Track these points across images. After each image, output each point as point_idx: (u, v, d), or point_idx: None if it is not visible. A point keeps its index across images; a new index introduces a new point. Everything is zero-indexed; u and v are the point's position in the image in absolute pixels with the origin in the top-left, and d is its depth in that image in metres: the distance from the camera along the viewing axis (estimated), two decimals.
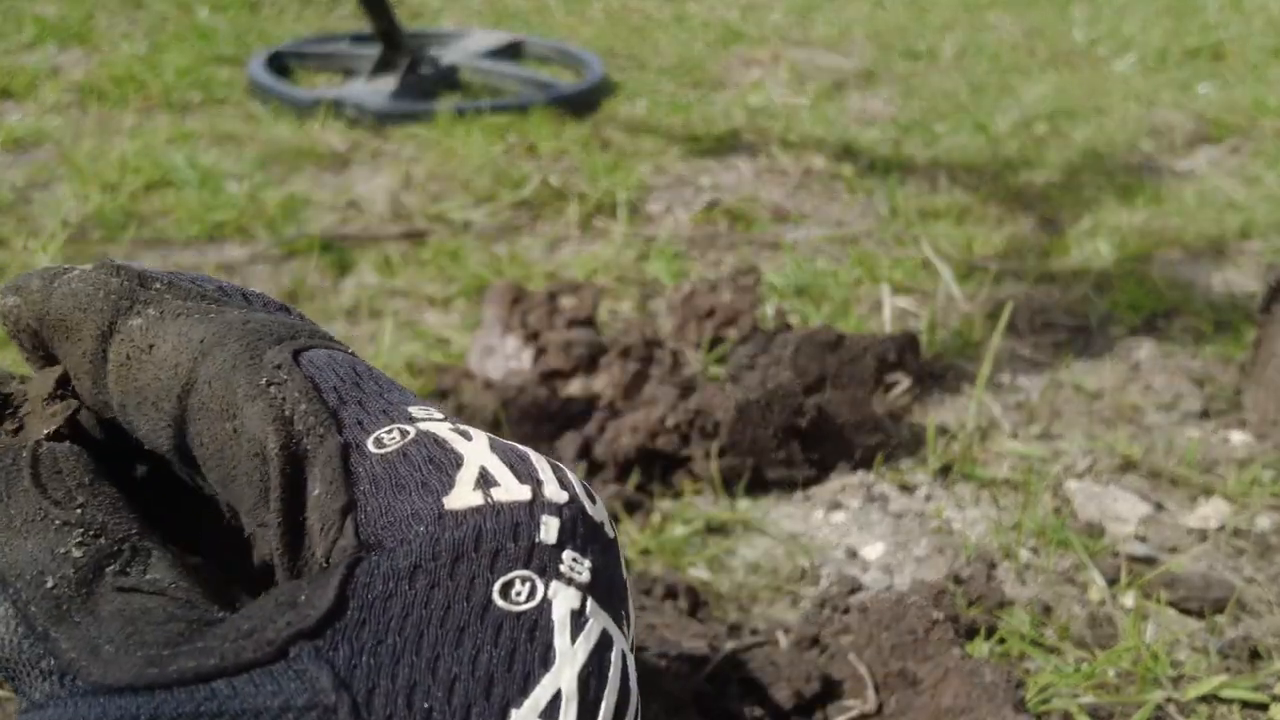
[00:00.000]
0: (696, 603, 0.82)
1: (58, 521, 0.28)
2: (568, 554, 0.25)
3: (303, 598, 0.24)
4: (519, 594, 0.24)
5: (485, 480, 0.25)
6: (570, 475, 0.27)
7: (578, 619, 0.24)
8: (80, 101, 1.85)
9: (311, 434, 0.26)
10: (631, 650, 0.26)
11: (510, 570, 0.24)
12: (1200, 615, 0.84)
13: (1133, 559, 0.90)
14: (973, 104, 2.08)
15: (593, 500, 0.27)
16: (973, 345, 1.23)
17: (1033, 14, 2.85)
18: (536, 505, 0.25)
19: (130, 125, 1.75)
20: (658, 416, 0.97)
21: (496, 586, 0.24)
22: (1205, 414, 1.12)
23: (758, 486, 0.98)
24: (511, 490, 0.25)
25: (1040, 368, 1.21)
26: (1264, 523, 0.96)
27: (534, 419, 0.98)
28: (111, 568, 0.27)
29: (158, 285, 0.30)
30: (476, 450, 0.26)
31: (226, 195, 1.49)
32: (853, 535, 0.93)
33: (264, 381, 0.27)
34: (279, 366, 0.27)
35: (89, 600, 0.26)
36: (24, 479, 0.29)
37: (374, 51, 1.98)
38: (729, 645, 0.76)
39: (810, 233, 1.54)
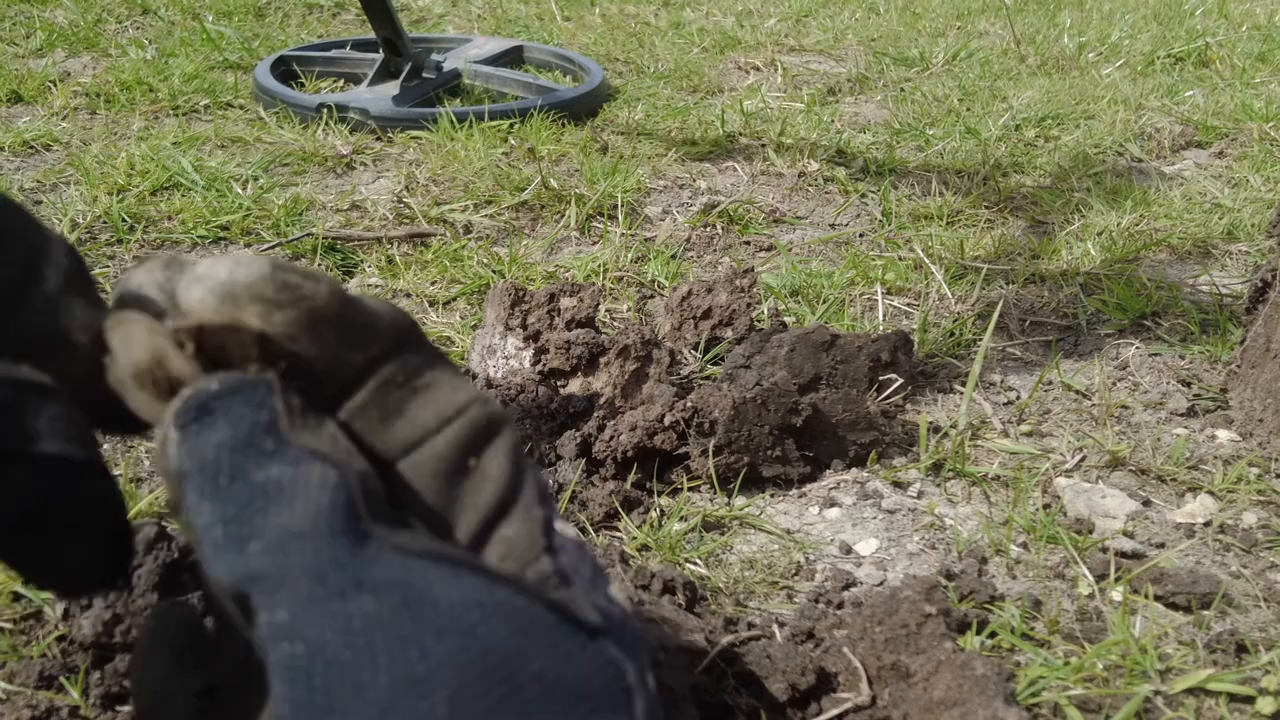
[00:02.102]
0: (693, 597, 0.82)
1: (348, 465, 0.31)
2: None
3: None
4: None
5: None
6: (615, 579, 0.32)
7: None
8: (89, 106, 1.87)
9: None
10: None
11: None
12: (1187, 610, 0.86)
13: (1121, 555, 0.91)
14: (964, 109, 2.10)
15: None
16: (964, 345, 1.24)
17: (1022, 20, 2.87)
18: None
19: (138, 129, 1.77)
20: (656, 415, 0.98)
21: None
22: (1192, 412, 1.13)
23: (753, 483, 0.99)
24: None
25: (1030, 367, 1.22)
26: (1250, 519, 0.97)
27: (534, 418, 1.00)
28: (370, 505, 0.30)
29: (427, 345, 0.34)
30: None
31: (233, 198, 1.50)
32: (847, 531, 0.95)
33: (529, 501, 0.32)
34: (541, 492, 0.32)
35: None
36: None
37: (377, 57, 1.99)
38: (725, 639, 0.76)
39: (805, 235, 1.55)
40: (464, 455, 0.32)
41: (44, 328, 0.33)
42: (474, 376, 1.08)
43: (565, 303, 1.08)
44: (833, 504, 0.98)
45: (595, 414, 1.00)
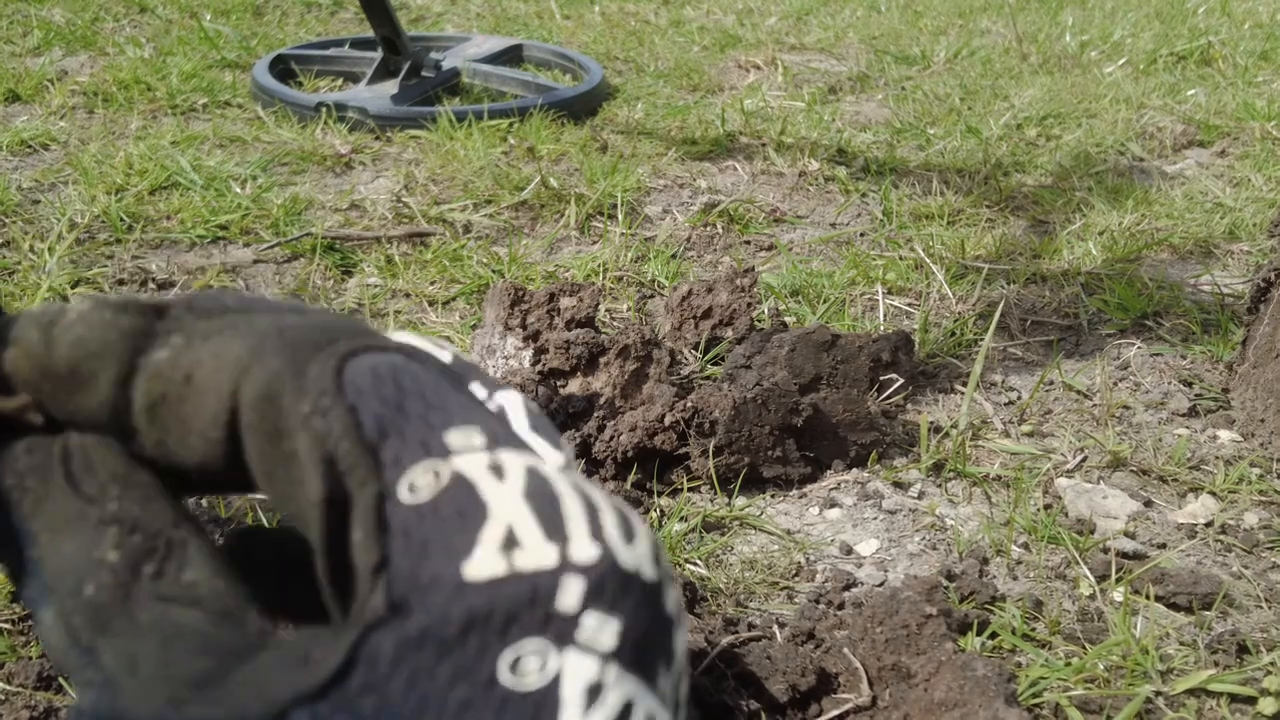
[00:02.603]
0: (694, 598, 0.82)
1: (93, 519, 0.26)
2: (590, 619, 0.23)
3: (316, 654, 0.23)
4: (529, 669, 0.22)
5: (510, 541, 0.23)
6: (606, 516, 0.25)
7: (593, 693, 0.23)
8: (87, 105, 1.86)
9: (353, 475, 0.25)
10: (675, 688, 0.25)
11: (522, 642, 0.22)
12: (1189, 610, 0.86)
13: (1122, 555, 0.91)
14: (965, 108, 2.09)
15: (630, 539, 0.24)
16: (965, 345, 1.24)
17: (1024, 18, 2.87)
18: (561, 569, 0.23)
19: (136, 128, 1.77)
20: (656, 415, 0.98)
21: (506, 662, 0.22)
22: (1193, 412, 1.13)
23: (754, 484, 0.99)
24: (535, 554, 0.23)
25: (1031, 367, 1.22)
26: (1251, 519, 0.97)
27: None
28: (148, 568, 0.26)
29: (176, 311, 0.28)
30: (506, 500, 0.24)
31: (231, 197, 1.50)
32: (847, 532, 0.95)
33: (307, 410, 0.25)
34: (323, 392, 0.25)
35: (128, 606, 0.25)
36: (57, 476, 0.27)
37: (376, 56, 1.99)
38: (726, 639, 0.76)
39: (806, 234, 1.55)
40: (268, 442, 0.26)
41: None
42: None
43: (565, 302, 1.08)
44: (833, 504, 0.98)
45: (595, 414, 1.00)
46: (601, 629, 0.23)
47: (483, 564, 0.23)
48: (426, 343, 0.30)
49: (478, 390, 0.29)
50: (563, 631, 0.23)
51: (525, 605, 0.23)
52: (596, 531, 0.24)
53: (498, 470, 0.25)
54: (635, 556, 0.24)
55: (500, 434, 0.26)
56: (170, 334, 0.27)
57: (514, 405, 0.28)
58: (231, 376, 0.26)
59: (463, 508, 0.24)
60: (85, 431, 0.28)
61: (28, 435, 0.28)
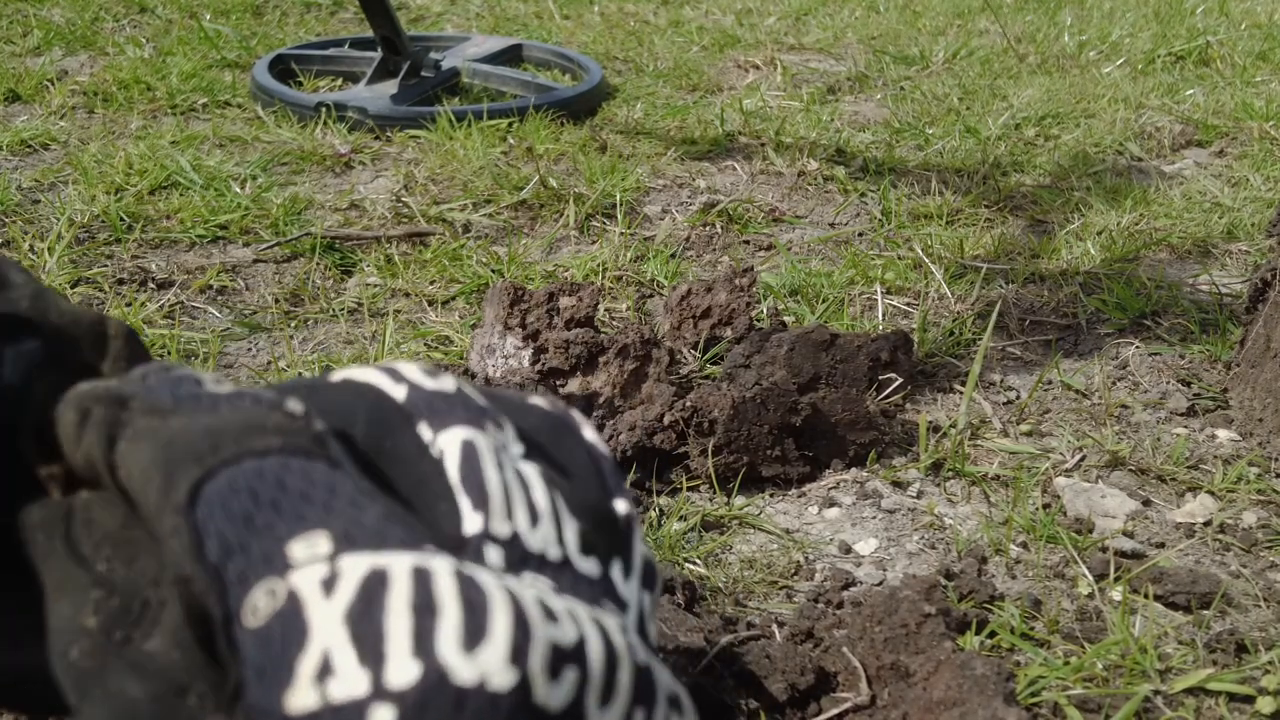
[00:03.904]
0: (693, 597, 0.83)
1: (83, 581, 0.27)
2: None
3: None
4: None
5: (325, 670, 0.22)
6: (446, 620, 0.23)
7: None
8: (87, 105, 1.87)
9: (206, 596, 0.24)
10: None
11: None
12: (1187, 609, 0.86)
13: (1121, 554, 0.91)
14: (964, 108, 2.10)
15: (473, 644, 0.23)
16: (964, 344, 1.24)
17: (1023, 18, 2.87)
18: (371, 698, 0.22)
19: (136, 128, 1.77)
20: (655, 414, 0.98)
21: None
22: (1192, 412, 1.13)
23: (753, 483, 0.99)
24: (347, 682, 0.22)
25: (1030, 366, 1.22)
26: (1250, 519, 0.97)
27: None
28: (119, 634, 0.26)
29: (134, 404, 0.28)
30: (326, 621, 0.23)
31: (231, 197, 1.50)
32: (846, 531, 0.95)
33: (167, 530, 0.25)
34: (176, 510, 0.25)
35: (102, 674, 0.26)
36: (58, 538, 0.28)
37: (375, 56, 1.99)
38: (725, 638, 0.76)
39: (804, 234, 1.55)
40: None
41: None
42: (473, 376, 1.08)
43: (564, 302, 1.08)
44: (832, 504, 0.98)
45: (594, 413, 1.00)
46: None
47: (299, 696, 0.22)
48: (383, 376, 0.30)
49: (424, 432, 0.28)
50: None
51: None
52: (422, 644, 0.23)
53: (329, 584, 0.24)
54: (478, 666, 0.23)
55: (360, 532, 0.25)
56: (125, 427, 0.28)
57: (452, 449, 0.27)
58: (142, 484, 0.26)
59: (289, 632, 0.23)
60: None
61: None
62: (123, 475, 0.27)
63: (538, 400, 0.34)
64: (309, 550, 0.24)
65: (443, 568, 0.24)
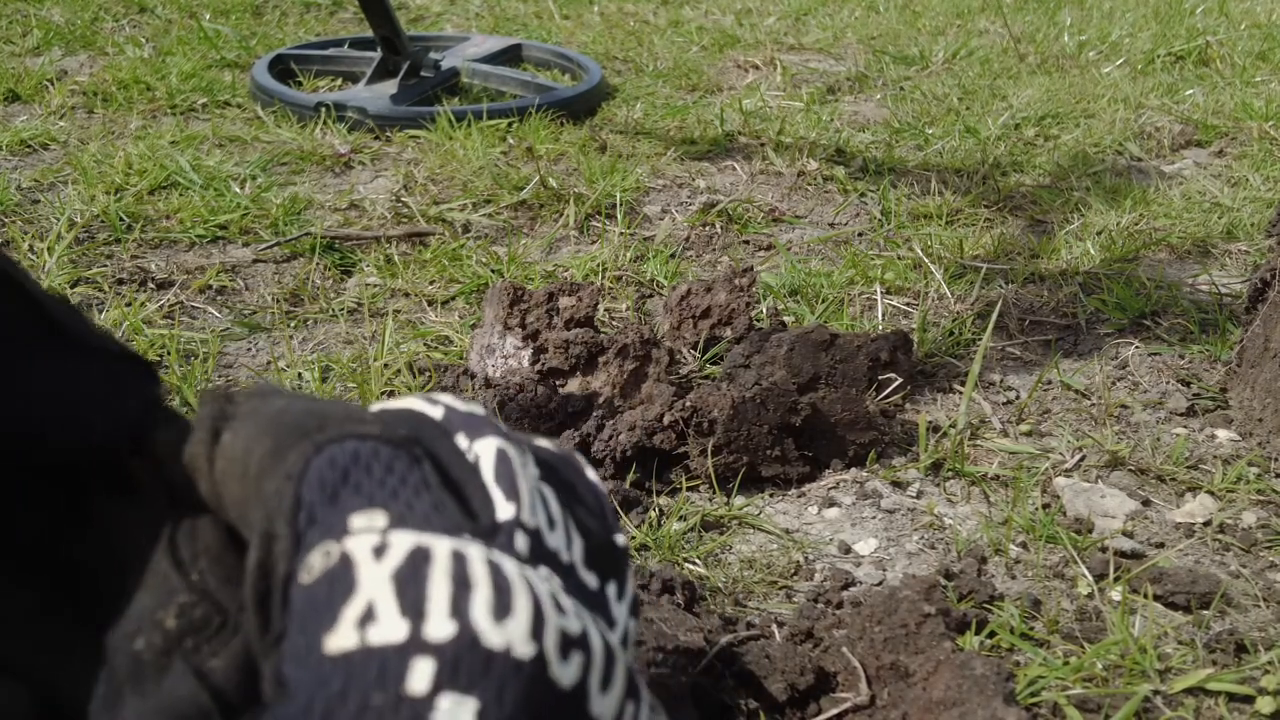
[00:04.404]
0: (693, 597, 0.83)
1: (172, 582, 0.29)
2: (445, 701, 0.23)
3: None
4: None
5: (367, 617, 0.24)
6: (479, 593, 0.25)
7: None
8: (86, 105, 1.87)
9: (280, 554, 0.26)
10: None
11: None
12: (1187, 609, 0.86)
13: (1120, 554, 0.91)
14: (963, 108, 2.10)
15: (502, 615, 0.25)
16: (963, 344, 1.24)
17: (1022, 18, 2.87)
18: (409, 647, 0.23)
19: (136, 128, 1.77)
20: (655, 414, 0.98)
21: None
22: (1191, 412, 1.14)
23: (753, 483, 0.99)
24: (386, 629, 0.24)
25: (1029, 366, 1.22)
26: (1249, 518, 0.97)
27: (533, 417, 1.00)
28: (189, 642, 0.28)
29: (240, 398, 0.31)
30: (374, 578, 0.25)
31: (231, 197, 1.50)
32: (846, 531, 0.95)
33: (271, 490, 0.28)
34: (287, 477, 0.27)
35: (163, 672, 0.27)
36: (162, 537, 0.30)
37: (375, 56, 1.99)
38: (724, 638, 0.77)
39: (804, 234, 1.55)
40: (248, 508, 0.29)
41: None
42: (473, 376, 1.08)
43: (564, 302, 1.08)
44: (832, 504, 0.98)
45: (594, 413, 1.00)
46: (457, 711, 0.23)
47: (341, 637, 0.24)
48: (421, 401, 0.33)
49: (461, 441, 0.31)
50: (416, 716, 0.23)
51: (375, 687, 0.23)
52: (458, 610, 0.24)
53: (380, 550, 0.26)
54: (505, 634, 0.24)
55: (411, 516, 0.27)
56: (231, 418, 0.30)
57: (487, 454, 0.30)
58: (245, 453, 0.29)
59: (337, 585, 0.25)
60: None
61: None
62: (220, 465, 0.30)
63: (544, 441, 0.37)
64: (367, 522, 0.27)
65: (476, 554, 0.26)
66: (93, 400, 0.33)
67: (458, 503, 0.29)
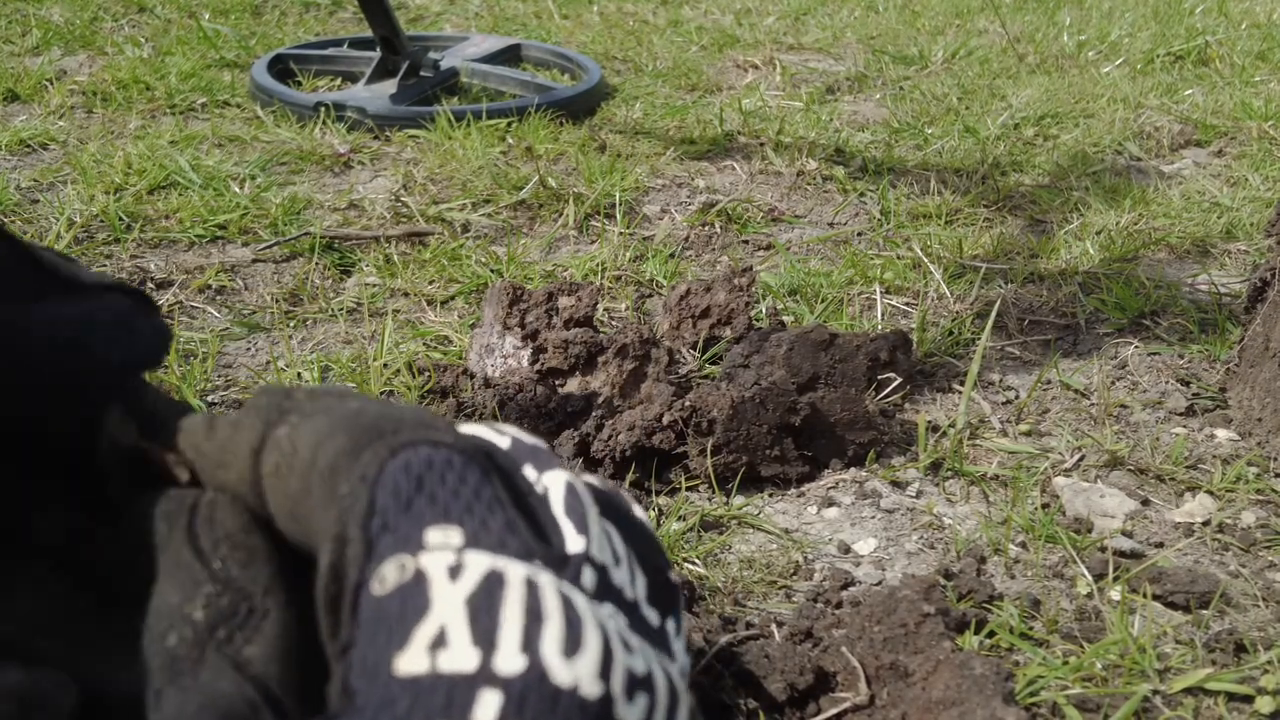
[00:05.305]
0: (692, 597, 0.83)
1: (195, 574, 0.29)
2: None
3: None
4: None
5: (439, 641, 0.24)
6: (550, 627, 0.24)
7: None
8: (86, 105, 1.87)
9: (352, 559, 0.26)
10: None
11: None
12: (1186, 609, 0.86)
13: (1119, 554, 0.91)
14: (963, 108, 2.10)
15: (572, 652, 0.24)
16: (963, 344, 1.24)
17: (1022, 18, 2.87)
18: (479, 678, 0.23)
19: (135, 128, 1.77)
20: (654, 414, 0.98)
21: None
22: (1191, 412, 1.14)
23: (752, 483, 0.99)
24: (458, 657, 0.24)
25: (1029, 366, 1.22)
26: (1249, 518, 0.97)
27: (532, 417, 1.00)
28: (221, 632, 0.27)
29: (300, 395, 0.31)
30: (448, 600, 0.25)
31: (230, 196, 1.50)
32: (845, 531, 0.95)
33: (345, 491, 0.27)
34: (362, 479, 0.27)
35: (199, 665, 0.27)
36: (180, 526, 0.30)
37: (374, 56, 1.99)
38: (723, 638, 0.77)
39: (804, 234, 1.55)
40: (320, 506, 0.29)
41: None
42: (472, 375, 1.08)
43: (563, 302, 1.08)
44: (831, 503, 0.98)
45: (593, 413, 1.00)
46: None
47: (411, 659, 0.24)
48: (488, 430, 0.33)
49: (529, 472, 0.31)
50: None
51: (440, 715, 0.23)
52: (529, 643, 0.24)
53: (455, 571, 0.25)
54: (574, 672, 0.24)
55: (486, 536, 0.27)
56: (290, 413, 0.30)
57: (556, 486, 0.30)
58: (313, 449, 0.29)
59: (411, 603, 0.25)
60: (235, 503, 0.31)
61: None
62: (273, 459, 0.29)
63: (591, 478, 0.36)
64: (443, 538, 0.26)
65: (549, 583, 0.26)
66: (103, 329, 0.33)
67: (529, 526, 0.28)
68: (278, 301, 1.28)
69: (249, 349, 1.19)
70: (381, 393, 1.09)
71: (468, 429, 0.32)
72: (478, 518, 0.27)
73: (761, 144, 1.86)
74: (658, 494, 0.97)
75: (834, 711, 0.72)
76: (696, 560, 0.89)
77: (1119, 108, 2.10)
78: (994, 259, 1.46)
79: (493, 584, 0.25)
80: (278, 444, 0.29)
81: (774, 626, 0.80)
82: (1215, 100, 2.16)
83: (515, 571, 0.26)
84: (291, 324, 1.24)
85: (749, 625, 0.80)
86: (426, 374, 1.09)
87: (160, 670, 0.27)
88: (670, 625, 0.32)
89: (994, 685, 0.68)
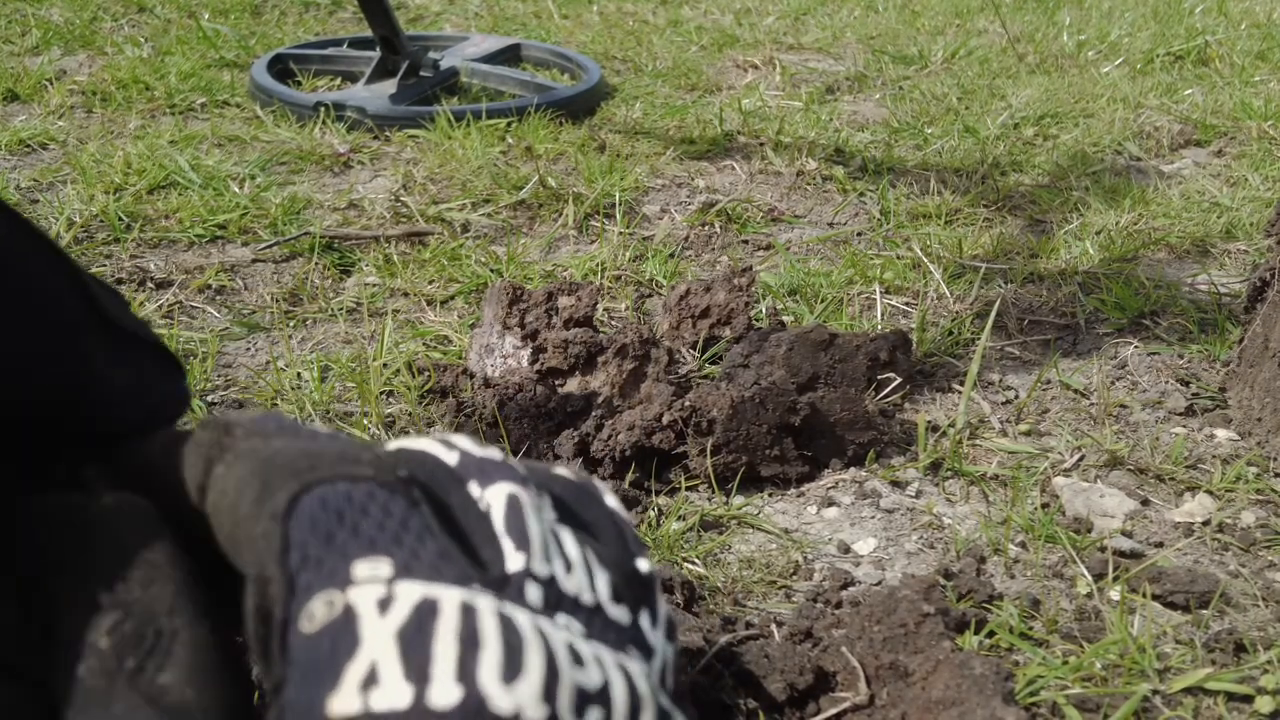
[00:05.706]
0: (692, 596, 0.83)
1: (96, 600, 0.28)
2: None
3: None
4: None
5: (370, 679, 0.23)
6: (488, 653, 0.24)
7: None
8: (85, 104, 1.86)
9: (275, 598, 0.26)
10: None
11: None
12: (1186, 609, 0.86)
13: (1119, 554, 0.91)
14: (962, 107, 2.10)
15: (511, 678, 0.24)
16: (962, 344, 1.24)
17: (1021, 18, 2.87)
18: (413, 713, 0.23)
19: (135, 128, 1.77)
20: (654, 414, 0.98)
21: None
22: (1190, 411, 1.14)
23: (752, 483, 0.99)
24: (391, 694, 0.23)
25: (1028, 366, 1.22)
26: (1248, 518, 0.97)
27: (532, 417, 1.00)
28: (130, 662, 0.26)
29: (239, 431, 0.30)
30: (378, 635, 0.24)
31: (230, 196, 1.50)
32: (845, 531, 0.95)
33: (259, 532, 0.27)
34: (273, 517, 0.27)
35: (109, 697, 0.26)
36: (80, 546, 0.29)
37: (374, 55, 1.99)
38: (723, 638, 0.76)
39: (803, 233, 1.55)
40: (237, 550, 0.29)
41: None
42: (471, 375, 1.08)
43: (563, 302, 1.08)
44: (831, 503, 0.98)
45: (593, 413, 1.00)
46: None
47: (343, 700, 0.23)
48: (438, 445, 0.32)
49: (473, 489, 0.30)
50: None
51: None
52: (465, 672, 0.23)
53: (385, 603, 0.25)
54: (515, 698, 0.23)
55: (417, 564, 0.26)
56: (226, 451, 0.30)
57: (498, 501, 0.29)
58: (237, 492, 0.28)
59: (341, 641, 0.24)
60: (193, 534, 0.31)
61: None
62: (212, 497, 0.29)
63: (562, 470, 0.36)
64: (371, 571, 0.25)
65: (487, 606, 0.25)
66: (135, 388, 0.32)
67: (464, 551, 0.28)
68: (277, 301, 1.28)
69: (249, 349, 1.19)
70: (381, 393, 1.09)
71: (417, 443, 0.32)
72: (407, 547, 0.26)
73: (761, 144, 1.86)
74: (658, 494, 0.97)
75: (834, 711, 0.72)
76: (696, 560, 0.89)
77: (1119, 108, 2.10)
78: (994, 259, 1.46)
79: (424, 614, 0.24)
80: (216, 482, 0.29)
81: (774, 626, 0.80)
82: (1215, 100, 2.16)
83: (449, 598, 0.25)
84: (291, 324, 1.24)
85: (749, 625, 0.80)
86: (426, 374, 1.09)
87: (73, 705, 0.26)
88: (644, 618, 0.31)
89: (994, 685, 0.68)
